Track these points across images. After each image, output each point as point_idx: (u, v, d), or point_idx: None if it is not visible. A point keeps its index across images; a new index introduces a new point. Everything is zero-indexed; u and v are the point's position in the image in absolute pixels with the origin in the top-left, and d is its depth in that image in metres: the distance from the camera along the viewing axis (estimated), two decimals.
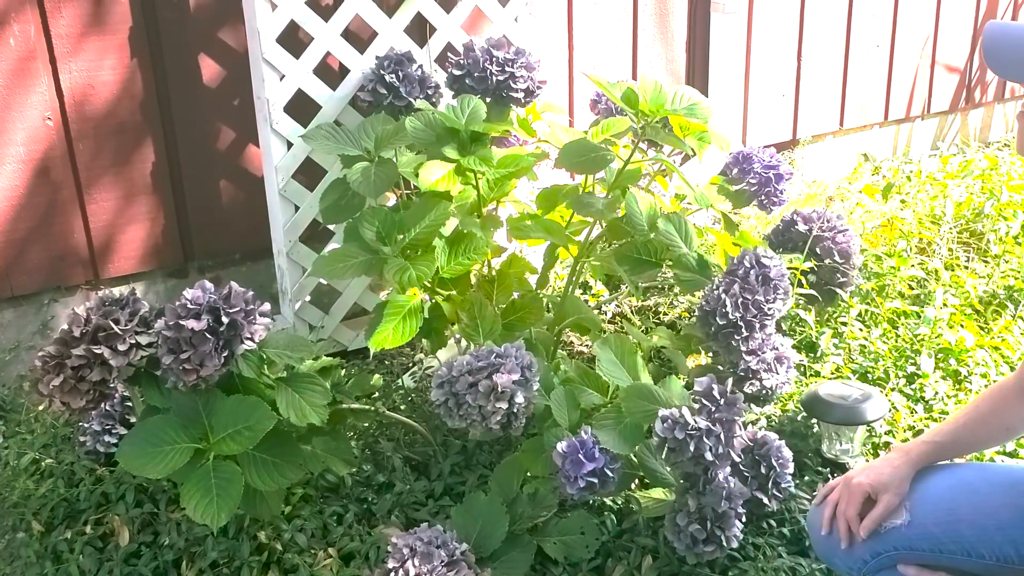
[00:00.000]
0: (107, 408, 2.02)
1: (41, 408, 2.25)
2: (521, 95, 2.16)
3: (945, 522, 1.51)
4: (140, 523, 1.92)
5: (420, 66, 2.33)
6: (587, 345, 2.70)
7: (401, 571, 1.54)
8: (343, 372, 2.08)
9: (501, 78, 2.14)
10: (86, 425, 2.02)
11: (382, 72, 2.28)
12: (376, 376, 2.16)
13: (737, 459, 1.71)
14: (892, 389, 2.32)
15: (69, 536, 1.90)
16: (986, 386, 2.33)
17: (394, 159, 2.16)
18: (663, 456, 1.64)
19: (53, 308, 2.42)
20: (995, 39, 1.37)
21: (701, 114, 1.94)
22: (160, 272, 2.54)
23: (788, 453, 1.87)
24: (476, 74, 2.15)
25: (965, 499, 1.53)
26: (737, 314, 1.90)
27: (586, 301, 2.82)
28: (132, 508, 1.94)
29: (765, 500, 1.85)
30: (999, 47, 1.37)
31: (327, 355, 2.23)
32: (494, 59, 2.14)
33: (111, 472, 2.02)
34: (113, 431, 2.01)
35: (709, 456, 1.61)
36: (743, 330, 1.91)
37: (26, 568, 1.87)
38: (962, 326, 2.52)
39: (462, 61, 2.19)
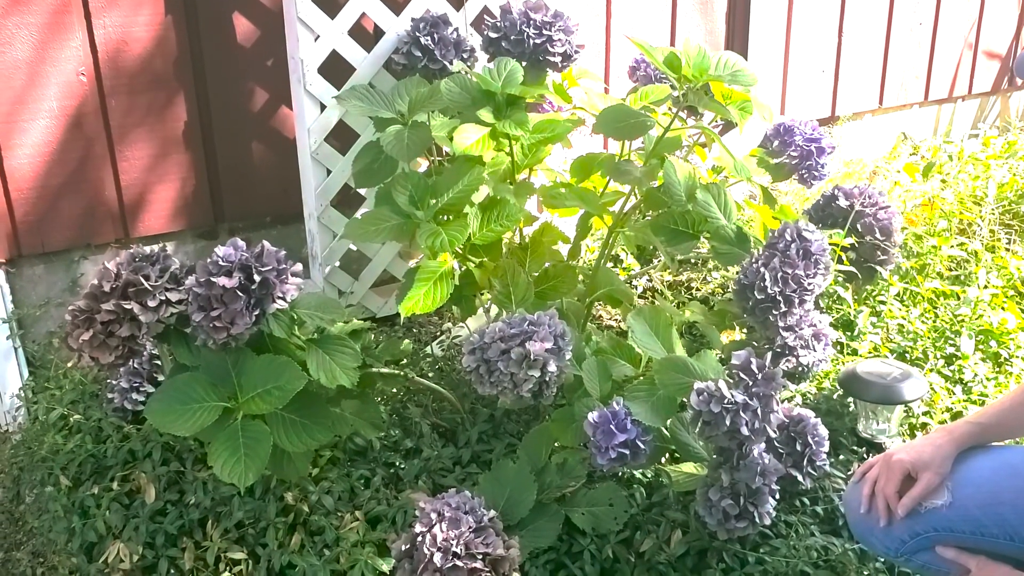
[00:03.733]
0: (135, 365, 2.01)
1: (70, 364, 2.25)
2: (558, 59, 2.12)
3: (988, 504, 1.48)
4: (166, 481, 1.91)
5: (456, 29, 2.28)
6: (616, 319, 2.67)
7: (429, 535, 1.52)
8: (372, 338, 2.06)
9: (538, 41, 2.09)
10: (114, 382, 2.01)
11: (417, 34, 2.24)
12: (407, 342, 2.13)
13: (773, 435, 1.67)
14: (930, 370, 2.27)
15: (96, 492, 1.90)
16: None
17: (427, 123, 2.13)
18: (697, 430, 1.61)
19: (83, 265, 2.41)
20: None
21: (745, 81, 1.89)
22: (190, 233, 2.53)
23: (824, 431, 1.83)
24: (513, 37, 2.11)
25: (1009, 482, 1.49)
26: (776, 288, 1.85)
27: (617, 274, 2.78)
28: (159, 466, 1.93)
29: (799, 478, 1.81)
30: None
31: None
32: (531, 22, 2.10)
33: (138, 430, 2.02)
34: (141, 389, 2.00)
35: (745, 431, 1.57)
36: (781, 305, 1.87)
37: (54, 522, 1.88)
38: (1004, 308, 2.46)
39: (499, 23, 2.14)
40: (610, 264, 2.83)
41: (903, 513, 1.50)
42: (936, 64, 3.81)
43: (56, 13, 2.19)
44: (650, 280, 2.80)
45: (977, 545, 1.49)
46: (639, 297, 2.75)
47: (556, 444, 1.82)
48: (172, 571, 1.78)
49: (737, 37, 3.24)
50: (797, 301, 1.88)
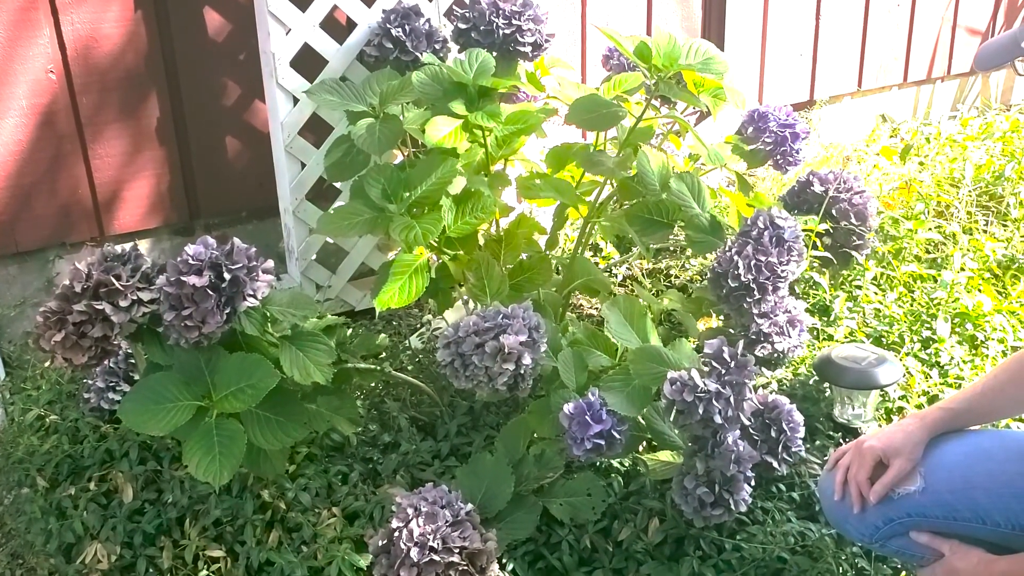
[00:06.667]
0: (111, 365, 2.00)
1: (47, 364, 2.24)
2: (528, 49, 2.11)
3: (960, 489, 1.49)
4: (144, 480, 1.91)
5: (428, 20, 2.27)
6: (597, 308, 2.67)
7: (405, 531, 1.52)
8: (350, 332, 2.05)
9: (508, 31, 2.08)
10: (90, 382, 2.01)
11: (388, 26, 2.22)
12: (383, 336, 2.13)
13: (747, 422, 1.68)
14: (907, 354, 2.27)
15: (73, 492, 1.89)
16: (1003, 352, 2.29)
17: (400, 116, 2.12)
18: (671, 419, 1.61)
19: (58, 265, 2.40)
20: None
21: (716, 69, 1.89)
22: (166, 230, 2.51)
23: (799, 417, 1.84)
24: (482, 27, 2.10)
25: (981, 466, 1.50)
26: (749, 276, 1.86)
27: (596, 263, 2.78)
28: (136, 465, 1.93)
29: (775, 464, 1.82)
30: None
31: (334, 315, 2.21)
32: (500, 12, 2.09)
33: (115, 429, 2.01)
34: (117, 388, 2.00)
35: (718, 419, 1.58)
36: (755, 292, 1.87)
37: (31, 523, 1.87)
38: (980, 290, 2.47)
39: (467, 14, 2.14)
40: (590, 253, 2.83)
41: (875, 500, 1.50)
42: (915, 45, 3.81)
43: (22, 10, 2.16)
44: (629, 268, 2.80)
45: (950, 529, 1.50)
46: (619, 286, 2.75)
47: (534, 435, 1.83)
48: (151, 570, 1.77)
49: (714, 22, 3.23)
50: (771, 288, 1.89)
